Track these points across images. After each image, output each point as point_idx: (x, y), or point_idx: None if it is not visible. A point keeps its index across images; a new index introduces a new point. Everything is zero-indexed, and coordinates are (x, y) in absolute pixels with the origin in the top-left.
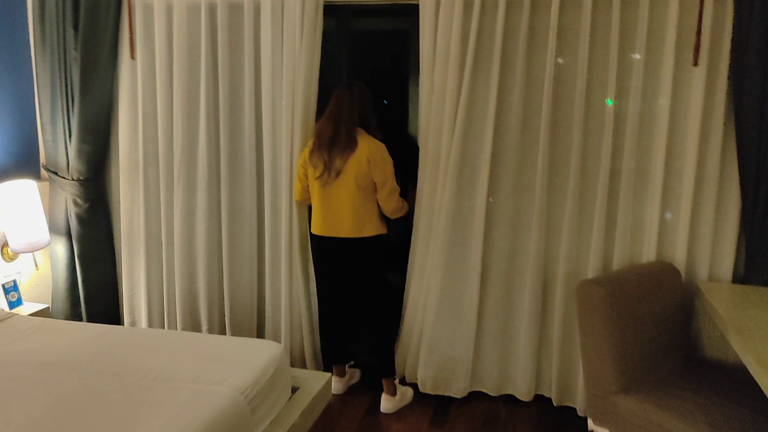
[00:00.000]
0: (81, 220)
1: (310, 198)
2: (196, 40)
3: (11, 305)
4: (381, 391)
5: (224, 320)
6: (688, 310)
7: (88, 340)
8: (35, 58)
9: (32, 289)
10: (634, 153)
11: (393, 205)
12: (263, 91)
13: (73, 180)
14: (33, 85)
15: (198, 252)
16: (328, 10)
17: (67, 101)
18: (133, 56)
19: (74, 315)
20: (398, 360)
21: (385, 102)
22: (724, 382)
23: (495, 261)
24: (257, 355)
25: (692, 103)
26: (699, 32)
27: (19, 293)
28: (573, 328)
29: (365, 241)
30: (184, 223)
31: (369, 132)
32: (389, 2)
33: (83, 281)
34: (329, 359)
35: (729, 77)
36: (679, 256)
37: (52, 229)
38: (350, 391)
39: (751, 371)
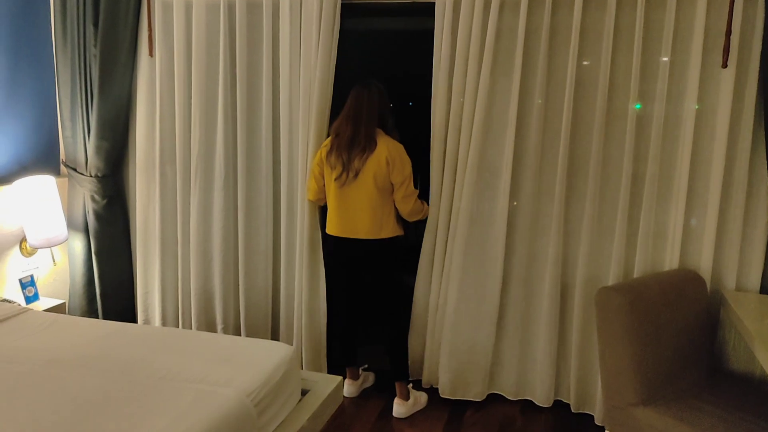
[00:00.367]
0: (98, 216)
1: (324, 198)
2: (214, 38)
3: (28, 300)
4: (395, 395)
5: (239, 320)
6: (713, 320)
7: (98, 338)
8: (56, 54)
9: (50, 284)
10: (658, 157)
11: (409, 208)
12: (281, 90)
13: (91, 176)
14: (54, 81)
15: (214, 251)
16: (347, 10)
17: (86, 98)
18: (151, 54)
19: (91, 311)
20: (417, 364)
21: (410, 104)
22: (749, 395)
23: (514, 265)
24: (267, 357)
25: (720, 106)
26: (728, 33)
27: (36, 288)
28: (592, 333)
29: (382, 242)
30: (200, 221)
31: (387, 132)
32: (407, 1)
33: (100, 277)
34: (342, 362)
35: (759, 79)
36: (704, 265)
37: (70, 224)
38: (363, 395)
39: None
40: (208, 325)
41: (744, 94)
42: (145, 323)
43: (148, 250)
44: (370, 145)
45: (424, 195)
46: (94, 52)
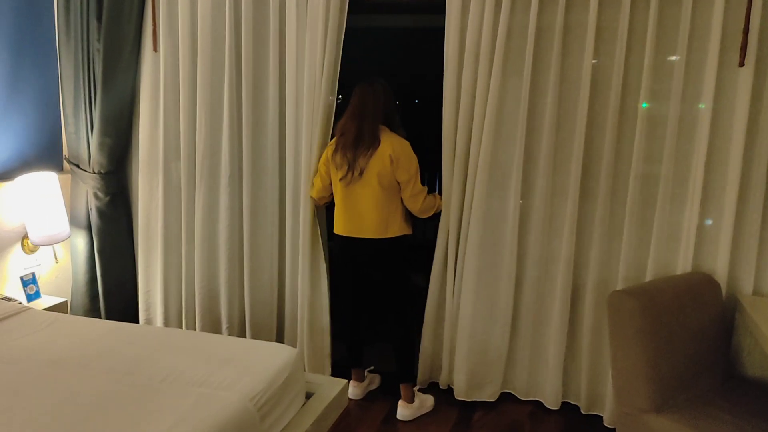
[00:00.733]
0: (101, 213)
1: (327, 197)
2: (220, 33)
3: (29, 298)
4: (400, 397)
5: (244, 318)
6: (728, 325)
7: (99, 337)
8: (59, 49)
9: (52, 282)
10: (673, 158)
11: (419, 205)
12: (287, 86)
13: (94, 173)
14: (57, 76)
15: (219, 249)
16: (355, 6)
17: (89, 93)
18: (156, 49)
19: (93, 309)
20: (433, 366)
21: (416, 101)
22: (765, 402)
23: (527, 266)
24: (270, 360)
25: (737, 106)
26: (746, 31)
27: (37, 286)
28: (602, 335)
29: (389, 241)
30: (205, 219)
31: (392, 129)
32: None
33: (102, 276)
34: (347, 363)
35: None
36: (719, 268)
37: (73, 222)
38: (369, 397)
39: None
40: (213, 324)
41: (762, 94)
42: (146, 322)
43: (150, 248)
44: (374, 143)
45: (433, 191)
46: (97, 47)
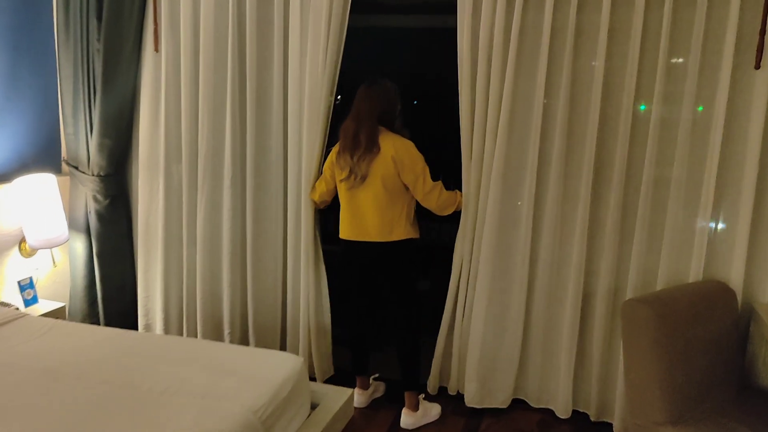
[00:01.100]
0: (100, 216)
1: (328, 200)
2: (223, 32)
3: (27, 303)
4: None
5: (247, 324)
6: (743, 334)
7: (97, 345)
8: (58, 48)
9: (50, 286)
10: (686, 162)
11: (435, 202)
12: (289, 86)
13: (93, 175)
14: (56, 76)
15: (222, 253)
16: (360, 6)
17: (89, 94)
18: (157, 49)
19: (92, 314)
20: (439, 372)
21: (415, 102)
22: None
23: (539, 271)
24: (274, 370)
25: (753, 109)
26: (763, 32)
27: (35, 291)
28: (613, 342)
29: (394, 245)
30: (207, 222)
31: (394, 130)
32: None
33: (101, 280)
34: (352, 370)
35: None
36: (734, 276)
37: (72, 225)
38: (373, 406)
39: None
40: (215, 329)
41: None
42: (146, 328)
43: (150, 252)
44: (372, 146)
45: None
46: (97, 46)
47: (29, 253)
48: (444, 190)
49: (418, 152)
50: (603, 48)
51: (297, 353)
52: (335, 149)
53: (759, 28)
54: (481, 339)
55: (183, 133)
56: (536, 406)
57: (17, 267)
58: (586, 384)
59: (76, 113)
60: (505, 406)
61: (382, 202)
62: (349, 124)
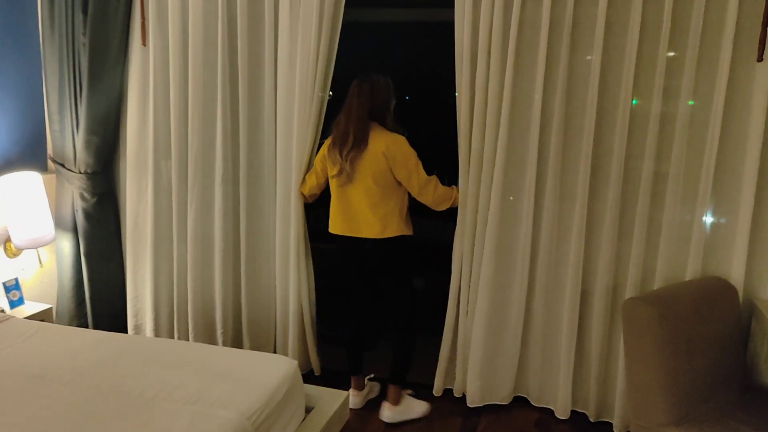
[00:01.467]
0: (88, 215)
1: (318, 194)
2: (212, 26)
3: (12, 304)
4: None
5: (240, 324)
6: (744, 332)
7: (85, 349)
8: (43, 43)
9: (36, 287)
10: (684, 156)
11: (431, 197)
12: (278, 81)
13: (80, 173)
14: (41, 71)
15: (214, 251)
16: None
17: (75, 89)
18: (144, 43)
19: (80, 315)
20: (444, 373)
21: (407, 98)
22: None
23: (538, 269)
24: (268, 373)
25: (754, 103)
26: (765, 24)
27: (21, 292)
28: (612, 340)
29: (386, 242)
30: (198, 220)
31: (387, 126)
32: None
33: (89, 280)
34: (348, 370)
35: None
36: (735, 272)
37: (58, 224)
38: (368, 406)
39: None
40: (207, 329)
41: None
42: (135, 328)
43: (139, 252)
44: (361, 143)
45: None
46: (83, 41)
47: (15, 254)
48: (439, 184)
49: (410, 147)
50: (600, 41)
51: (285, 350)
52: (328, 142)
53: (761, 19)
54: (483, 338)
55: (172, 130)
56: (537, 405)
57: (2, 268)
58: (585, 383)
59: (62, 110)
60: (505, 403)
61: (373, 199)
62: (341, 120)
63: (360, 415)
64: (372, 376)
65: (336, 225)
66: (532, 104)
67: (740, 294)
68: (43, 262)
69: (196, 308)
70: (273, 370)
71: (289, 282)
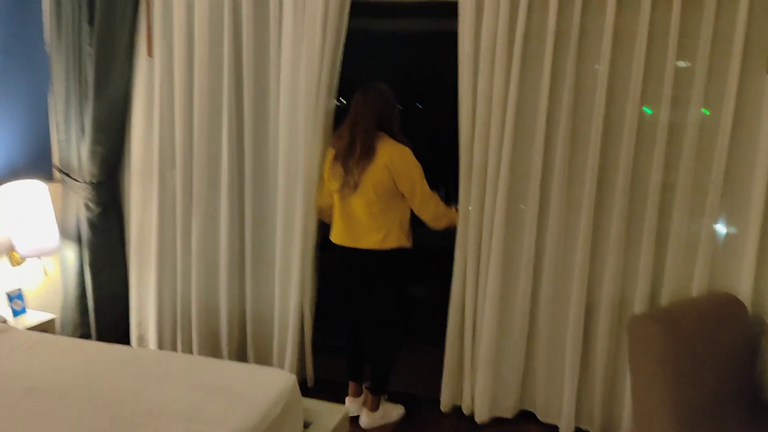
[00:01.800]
0: (92, 225)
1: (333, 204)
2: (218, 37)
3: (15, 314)
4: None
5: (245, 335)
6: (753, 349)
7: (83, 362)
8: (50, 53)
9: (40, 296)
10: (692, 167)
11: (431, 212)
12: (281, 91)
13: (85, 182)
14: (48, 81)
15: (220, 263)
16: (359, 9)
17: (80, 99)
18: (150, 54)
19: (83, 325)
20: (451, 389)
21: (419, 105)
22: None
23: (543, 282)
24: (265, 388)
25: (764, 113)
26: None
27: (24, 302)
28: (618, 356)
29: (385, 253)
30: (203, 230)
31: (392, 135)
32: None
33: (93, 290)
34: (347, 375)
35: None
36: (744, 287)
37: (63, 233)
38: None
39: None
40: (211, 339)
41: None
42: (139, 339)
43: (143, 262)
44: (368, 153)
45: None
46: (89, 51)
47: (19, 263)
48: (441, 202)
49: (414, 159)
50: (608, 51)
51: (283, 361)
52: (329, 155)
53: None
54: (491, 352)
55: (177, 140)
56: (544, 420)
57: (6, 277)
58: (589, 400)
59: (67, 119)
60: (509, 416)
61: (374, 209)
62: (345, 132)
63: (356, 424)
64: (369, 384)
65: (336, 234)
66: (537, 114)
67: (749, 309)
68: (47, 272)
69: (201, 319)
70: (270, 385)
71: (290, 294)
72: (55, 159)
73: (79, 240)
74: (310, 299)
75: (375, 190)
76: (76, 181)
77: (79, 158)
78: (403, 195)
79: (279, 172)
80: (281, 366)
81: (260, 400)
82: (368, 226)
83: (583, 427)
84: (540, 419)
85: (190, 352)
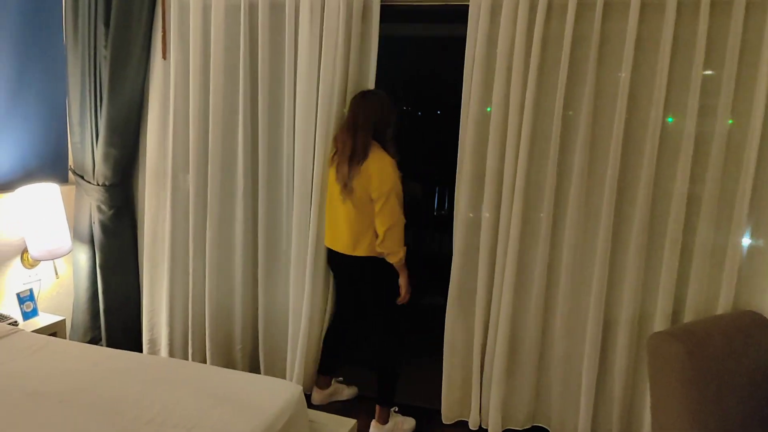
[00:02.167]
0: (104, 227)
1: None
2: (234, 40)
3: (26, 316)
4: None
5: (257, 339)
6: None
7: (89, 367)
8: (67, 55)
9: (53, 298)
10: (718, 179)
11: (383, 227)
12: (297, 97)
13: (98, 185)
14: (64, 82)
15: (234, 267)
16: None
17: (95, 101)
18: (165, 57)
19: (94, 328)
20: (457, 403)
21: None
22: None
23: (559, 296)
24: (270, 398)
25: None
26: None
27: (35, 303)
28: (637, 375)
29: (357, 260)
30: (217, 233)
31: (383, 144)
32: (437, 3)
33: (104, 293)
34: (318, 368)
35: None
36: None
37: (76, 236)
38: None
39: None
40: (224, 344)
41: None
42: (150, 343)
43: (155, 265)
44: (363, 157)
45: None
46: (104, 53)
47: (32, 264)
48: (401, 231)
49: (393, 172)
50: (630, 58)
51: (292, 371)
52: (331, 159)
53: None
54: (506, 368)
55: (192, 143)
56: None
57: (19, 278)
58: (606, 420)
59: (82, 121)
60: (520, 429)
61: (352, 215)
62: (345, 135)
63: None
64: (341, 379)
65: (326, 237)
66: (553, 121)
67: None
68: (59, 274)
69: (213, 323)
70: (276, 396)
71: (302, 301)
72: (71, 161)
73: (91, 242)
74: (320, 308)
75: (356, 196)
76: (90, 183)
77: (93, 160)
78: None
79: (293, 178)
80: (292, 373)
81: (265, 410)
82: (346, 231)
83: None
84: None
85: (202, 356)
